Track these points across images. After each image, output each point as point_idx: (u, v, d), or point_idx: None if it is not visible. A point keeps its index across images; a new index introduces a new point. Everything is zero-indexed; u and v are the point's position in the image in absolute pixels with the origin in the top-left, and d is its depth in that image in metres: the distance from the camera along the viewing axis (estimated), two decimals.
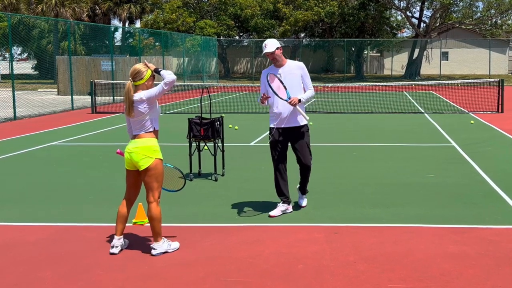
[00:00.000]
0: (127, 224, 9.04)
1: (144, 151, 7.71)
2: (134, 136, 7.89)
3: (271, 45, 9.35)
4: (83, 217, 9.72)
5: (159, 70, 7.88)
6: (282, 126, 9.53)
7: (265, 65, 78.58)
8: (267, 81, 9.42)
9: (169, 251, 7.94)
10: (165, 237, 8.18)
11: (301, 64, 9.65)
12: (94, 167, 14.16)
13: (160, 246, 7.90)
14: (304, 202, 10.18)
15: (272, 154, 9.73)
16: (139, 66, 7.86)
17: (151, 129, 7.85)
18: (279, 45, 9.47)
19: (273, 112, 9.62)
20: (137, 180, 8.04)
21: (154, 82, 7.99)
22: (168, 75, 7.74)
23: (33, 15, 56.24)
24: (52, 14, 57.40)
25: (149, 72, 7.84)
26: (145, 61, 8.15)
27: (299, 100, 9.30)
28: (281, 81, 9.37)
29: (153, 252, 7.88)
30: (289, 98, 9.25)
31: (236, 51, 76.83)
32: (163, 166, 8.20)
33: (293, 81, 9.41)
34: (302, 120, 9.56)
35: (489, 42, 66.26)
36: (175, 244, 8.08)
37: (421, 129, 21.07)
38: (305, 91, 9.54)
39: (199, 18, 66.17)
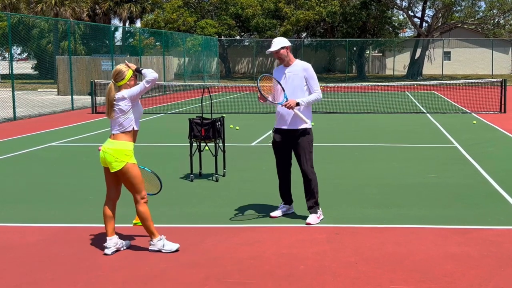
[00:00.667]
0: (127, 225, 9.08)
1: (117, 154, 7.75)
2: (112, 135, 7.93)
3: (276, 43, 9.25)
4: (83, 218, 9.73)
5: (141, 69, 7.96)
6: (283, 127, 9.41)
7: (266, 65, 78.65)
8: (259, 88, 9.33)
9: (163, 251, 8.00)
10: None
11: (307, 65, 9.39)
12: (94, 167, 14.14)
13: (155, 243, 8.01)
14: (309, 218, 9.36)
15: (275, 156, 9.67)
16: (120, 66, 7.93)
17: (130, 129, 7.89)
18: (287, 44, 9.28)
19: (276, 112, 9.55)
20: (114, 179, 8.03)
21: (138, 82, 8.08)
22: (150, 73, 7.85)
23: (33, 14, 56.25)
24: (52, 14, 57.40)
25: (130, 72, 7.90)
26: (126, 61, 8.21)
27: (298, 104, 9.11)
28: (279, 83, 9.29)
29: (150, 247, 8.03)
30: (286, 100, 9.12)
31: (237, 51, 76.79)
32: (141, 170, 8.26)
33: (295, 82, 9.24)
34: (303, 123, 9.28)
35: (492, 42, 66.22)
36: (171, 246, 8.05)
37: (423, 129, 21.08)
38: (311, 93, 9.32)
39: (200, 17, 66.17)
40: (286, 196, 9.74)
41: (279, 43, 9.25)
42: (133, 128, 7.89)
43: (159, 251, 7.99)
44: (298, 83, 9.26)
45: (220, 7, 67.39)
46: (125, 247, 8.14)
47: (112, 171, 7.83)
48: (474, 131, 20.29)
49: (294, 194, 9.91)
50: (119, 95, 7.81)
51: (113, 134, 7.88)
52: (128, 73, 7.87)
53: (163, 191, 10.01)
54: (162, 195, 10.56)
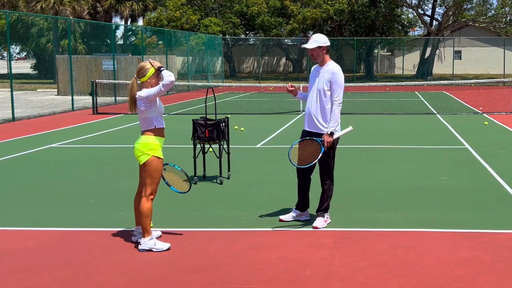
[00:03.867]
0: (129, 229, 9.08)
1: (143, 147, 8.20)
2: (141, 133, 8.36)
3: (312, 41, 9.24)
4: (84, 222, 9.73)
5: (162, 69, 8.28)
6: (305, 128, 9.46)
7: (272, 65, 78.72)
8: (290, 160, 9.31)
9: (153, 250, 8.18)
10: (157, 237, 8.53)
11: (336, 69, 9.21)
12: (95, 169, 14.17)
13: (145, 243, 8.21)
14: (316, 222, 9.33)
15: None
16: (143, 63, 8.33)
17: (152, 127, 8.28)
18: (324, 44, 9.23)
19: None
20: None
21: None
22: (167, 77, 8.14)
23: (32, 12, 56.28)
24: (52, 12, 57.46)
25: (152, 70, 8.26)
26: (150, 59, 8.46)
27: (332, 133, 9.04)
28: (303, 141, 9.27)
29: (139, 247, 8.25)
30: (322, 142, 9.05)
31: (242, 49, 76.82)
32: (169, 167, 8.73)
33: (320, 85, 9.18)
34: (322, 128, 9.20)
35: (504, 40, 66.11)
36: (162, 245, 8.26)
37: (433, 130, 21.05)
38: (331, 101, 9.13)
39: (203, 15, 66.18)
40: (300, 199, 9.69)
41: (316, 41, 9.24)
42: (155, 126, 8.30)
43: (150, 250, 8.19)
44: (321, 87, 9.18)
45: (225, 5, 67.41)
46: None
47: (140, 164, 8.29)
48: (486, 132, 20.26)
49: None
50: (137, 95, 8.20)
51: (141, 130, 8.36)
52: (150, 71, 8.24)
53: (165, 193, 10.06)
54: (165, 198, 10.60)
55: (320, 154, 9.03)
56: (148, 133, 8.26)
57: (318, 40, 9.24)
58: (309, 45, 9.23)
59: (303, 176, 9.55)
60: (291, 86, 9.57)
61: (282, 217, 9.68)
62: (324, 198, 9.43)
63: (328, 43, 9.32)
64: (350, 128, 9.61)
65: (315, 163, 9.21)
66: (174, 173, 8.81)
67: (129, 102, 8.36)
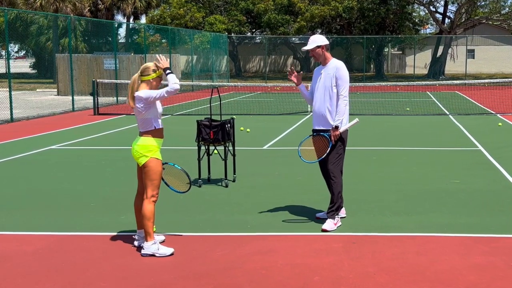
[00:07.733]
0: (131, 233, 9.09)
1: (141, 149, 8.27)
2: (139, 133, 8.40)
3: (311, 42, 9.49)
4: (84, 226, 9.74)
5: (168, 72, 8.33)
6: (314, 127, 9.60)
7: (279, 64, 78.70)
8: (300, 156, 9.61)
9: (156, 255, 8.20)
10: (161, 242, 8.55)
11: (340, 64, 9.47)
12: (96, 172, 14.18)
13: (148, 247, 8.23)
14: (325, 224, 9.36)
15: None
16: (149, 64, 8.41)
17: (151, 128, 8.34)
18: (323, 43, 9.46)
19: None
20: (142, 174, 8.47)
21: (162, 83, 8.48)
22: (172, 84, 8.22)
23: (31, 10, 56.31)
24: (52, 9, 57.50)
25: (154, 75, 8.32)
26: (158, 55, 8.55)
27: (336, 127, 9.25)
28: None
29: (142, 252, 8.28)
30: (330, 137, 9.29)
31: (248, 48, 76.82)
32: (170, 167, 8.72)
33: (326, 83, 9.38)
34: (331, 124, 9.38)
35: None
36: (165, 250, 8.27)
37: (445, 131, 21.02)
38: (337, 96, 9.32)
39: (208, 13, 66.13)
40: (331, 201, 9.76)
41: (315, 41, 9.48)
42: (154, 127, 8.34)
43: (153, 255, 8.20)
44: (328, 84, 9.37)
45: (230, 2, 67.36)
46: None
47: (139, 166, 8.34)
48: (500, 134, 20.22)
49: (314, 198, 9.85)
50: (136, 94, 8.23)
51: (140, 132, 8.39)
52: (154, 75, 8.32)
53: (168, 196, 10.06)
54: (168, 201, 10.61)
55: (329, 148, 9.27)
56: (146, 134, 8.30)
57: (316, 40, 9.50)
58: (308, 46, 9.51)
59: (322, 170, 9.71)
60: (297, 73, 9.68)
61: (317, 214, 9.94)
62: (334, 197, 9.46)
63: (327, 42, 9.57)
64: (356, 120, 9.71)
65: (325, 158, 9.38)
66: (174, 172, 8.81)
67: (129, 95, 8.36)
